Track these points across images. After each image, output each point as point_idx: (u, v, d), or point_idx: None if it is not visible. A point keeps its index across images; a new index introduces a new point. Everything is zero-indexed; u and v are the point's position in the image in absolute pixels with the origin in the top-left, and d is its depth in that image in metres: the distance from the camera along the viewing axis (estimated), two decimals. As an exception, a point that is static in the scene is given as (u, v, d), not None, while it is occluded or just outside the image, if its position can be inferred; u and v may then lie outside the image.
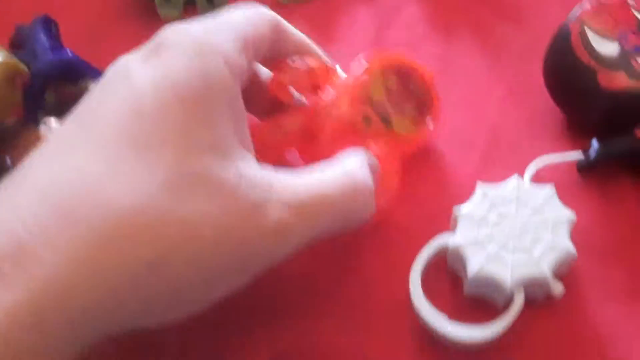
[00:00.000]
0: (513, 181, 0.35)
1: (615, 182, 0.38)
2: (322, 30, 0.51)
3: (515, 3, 0.50)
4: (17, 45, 0.46)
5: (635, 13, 0.39)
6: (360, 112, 0.34)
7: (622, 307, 0.34)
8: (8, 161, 0.39)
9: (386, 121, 0.36)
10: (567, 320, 0.34)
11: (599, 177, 0.38)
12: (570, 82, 0.39)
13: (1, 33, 0.46)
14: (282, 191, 0.26)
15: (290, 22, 0.53)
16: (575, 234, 0.34)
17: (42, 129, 0.37)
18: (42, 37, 0.47)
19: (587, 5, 0.39)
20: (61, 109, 0.45)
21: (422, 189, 0.39)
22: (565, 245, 0.33)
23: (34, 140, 0.38)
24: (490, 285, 0.33)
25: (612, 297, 0.34)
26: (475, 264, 0.33)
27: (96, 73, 0.45)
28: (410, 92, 0.37)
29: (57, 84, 0.46)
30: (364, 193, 0.31)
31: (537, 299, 0.34)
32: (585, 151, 0.37)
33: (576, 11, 0.39)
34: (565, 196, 0.35)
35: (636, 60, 0.37)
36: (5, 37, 0.46)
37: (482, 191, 0.35)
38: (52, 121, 0.37)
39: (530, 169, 0.37)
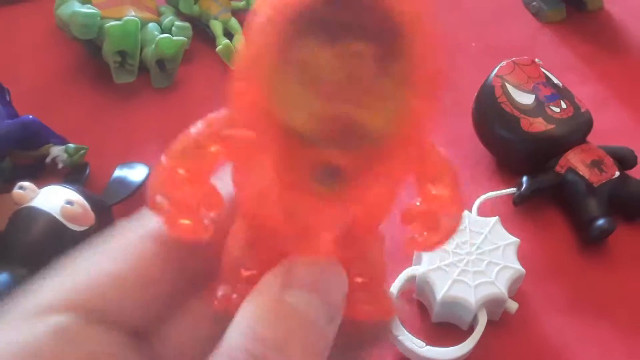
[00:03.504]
0: (464, 215, 0.40)
1: (544, 211, 0.44)
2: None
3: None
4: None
5: (542, 69, 0.47)
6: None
7: (566, 318, 0.39)
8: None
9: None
10: (522, 334, 0.39)
11: (530, 207, 0.44)
12: (498, 128, 0.45)
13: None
14: None
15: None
16: (519, 257, 0.39)
17: (16, 193, 0.37)
18: (-3, 106, 0.47)
19: (504, 64, 0.47)
20: (17, 176, 0.45)
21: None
22: (515, 266, 0.38)
23: (10, 206, 0.38)
24: (456, 306, 0.37)
25: (556, 309, 0.40)
26: (442, 288, 0.37)
27: (59, 138, 0.46)
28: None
29: (16, 150, 0.46)
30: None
31: (494, 317, 0.39)
32: (519, 187, 0.43)
33: (496, 70, 0.46)
34: (506, 225, 0.40)
35: (550, 108, 0.44)
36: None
37: (439, 225, 0.40)
38: (28, 185, 0.38)
39: (476, 204, 0.42)
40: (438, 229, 0.17)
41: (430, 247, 0.18)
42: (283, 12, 0.14)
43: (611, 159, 0.43)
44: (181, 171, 0.16)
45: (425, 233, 0.17)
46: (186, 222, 0.16)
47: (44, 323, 0.15)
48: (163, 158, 0.16)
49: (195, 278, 0.18)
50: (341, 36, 0.14)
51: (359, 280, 0.17)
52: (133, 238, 0.17)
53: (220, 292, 0.16)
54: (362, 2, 0.14)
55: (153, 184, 0.16)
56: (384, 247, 0.18)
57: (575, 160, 0.43)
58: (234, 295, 0.16)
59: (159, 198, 0.16)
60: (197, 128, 0.16)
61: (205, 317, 0.16)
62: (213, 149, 0.16)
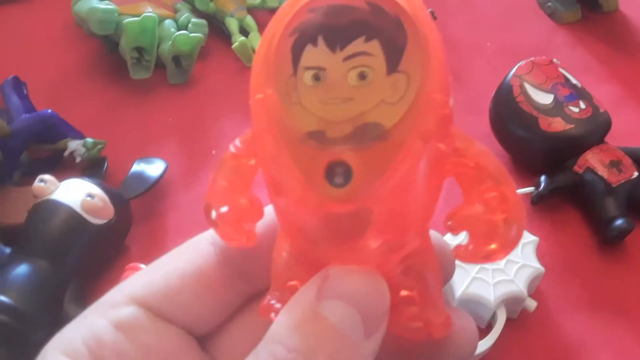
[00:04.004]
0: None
1: (562, 210, 0.44)
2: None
3: (453, 66, 0.57)
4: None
5: (561, 70, 0.47)
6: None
7: (585, 317, 0.39)
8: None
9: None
10: (541, 332, 0.39)
11: (548, 207, 0.44)
12: (515, 127, 0.45)
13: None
14: None
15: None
16: (538, 255, 0.39)
17: (37, 187, 0.38)
18: (15, 98, 0.47)
19: (522, 64, 0.47)
20: (35, 169, 0.46)
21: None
22: (535, 264, 0.38)
23: (29, 199, 0.38)
24: (475, 304, 0.37)
25: (574, 308, 0.40)
26: (461, 286, 0.37)
27: (76, 133, 0.46)
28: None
29: (34, 144, 0.46)
30: None
31: (513, 315, 0.39)
32: (537, 186, 0.43)
33: (514, 69, 0.46)
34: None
35: (568, 108, 0.44)
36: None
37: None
38: (48, 178, 0.38)
39: (494, 202, 0.42)
40: (491, 236, 0.15)
41: (480, 258, 0.15)
42: (290, 25, 0.14)
43: (630, 160, 0.43)
44: (223, 183, 0.16)
45: (471, 244, 0.15)
46: (230, 230, 0.17)
47: (106, 316, 0.17)
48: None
49: (252, 287, 0.18)
50: (348, 39, 0.14)
51: (404, 293, 0.15)
52: (197, 242, 0.18)
53: (264, 300, 0.16)
54: (358, 6, 0.14)
55: (205, 198, 0.17)
56: (435, 258, 0.16)
57: (594, 160, 0.43)
58: (276, 304, 0.16)
59: (210, 209, 0.17)
60: (235, 144, 0.16)
61: (259, 327, 0.16)
62: (251, 162, 0.16)
